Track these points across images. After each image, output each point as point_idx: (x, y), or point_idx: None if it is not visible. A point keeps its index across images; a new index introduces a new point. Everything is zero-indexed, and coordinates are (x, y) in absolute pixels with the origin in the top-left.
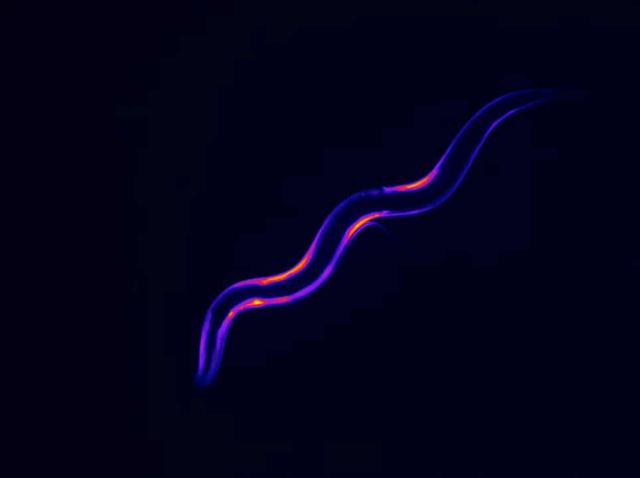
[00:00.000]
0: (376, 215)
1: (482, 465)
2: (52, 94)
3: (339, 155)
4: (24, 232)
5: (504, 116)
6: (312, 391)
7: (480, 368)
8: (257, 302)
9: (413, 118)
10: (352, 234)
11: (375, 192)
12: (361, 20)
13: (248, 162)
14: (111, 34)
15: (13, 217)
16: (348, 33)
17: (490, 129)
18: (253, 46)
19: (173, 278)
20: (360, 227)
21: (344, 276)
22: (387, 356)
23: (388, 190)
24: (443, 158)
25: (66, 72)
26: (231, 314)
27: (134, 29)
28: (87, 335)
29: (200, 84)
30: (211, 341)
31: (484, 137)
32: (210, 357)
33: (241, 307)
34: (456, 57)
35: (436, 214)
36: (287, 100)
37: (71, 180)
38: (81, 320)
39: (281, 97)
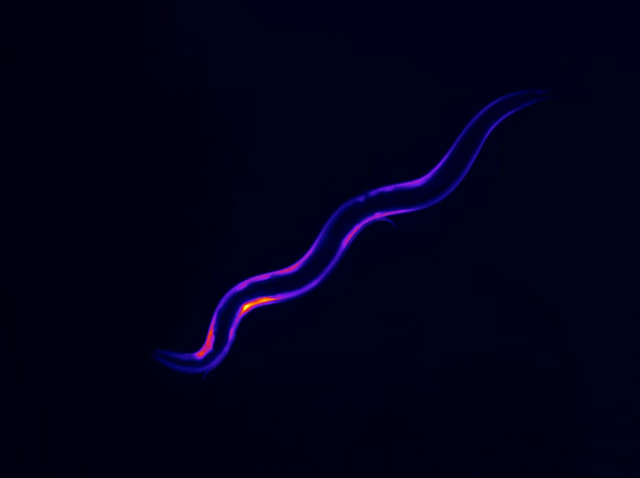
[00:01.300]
0: (369, 219)
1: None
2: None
3: (334, 158)
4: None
5: (500, 119)
6: (312, 392)
7: (483, 366)
8: (261, 300)
9: (408, 123)
10: (350, 240)
11: (361, 198)
12: (359, 19)
13: (245, 164)
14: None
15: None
16: (346, 32)
17: (488, 133)
18: (249, 45)
19: (173, 281)
20: (357, 232)
21: (345, 278)
22: (388, 356)
23: (373, 192)
24: (438, 165)
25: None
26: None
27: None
28: (87, 340)
29: (197, 82)
30: (219, 342)
31: (482, 142)
32: (214, 355)
33: (245, 309)
34: (449, 61)
35: (431, 213)
36: (287, 100)
37: (69, 179)
38: (80, 325)
39: (278, 98)
